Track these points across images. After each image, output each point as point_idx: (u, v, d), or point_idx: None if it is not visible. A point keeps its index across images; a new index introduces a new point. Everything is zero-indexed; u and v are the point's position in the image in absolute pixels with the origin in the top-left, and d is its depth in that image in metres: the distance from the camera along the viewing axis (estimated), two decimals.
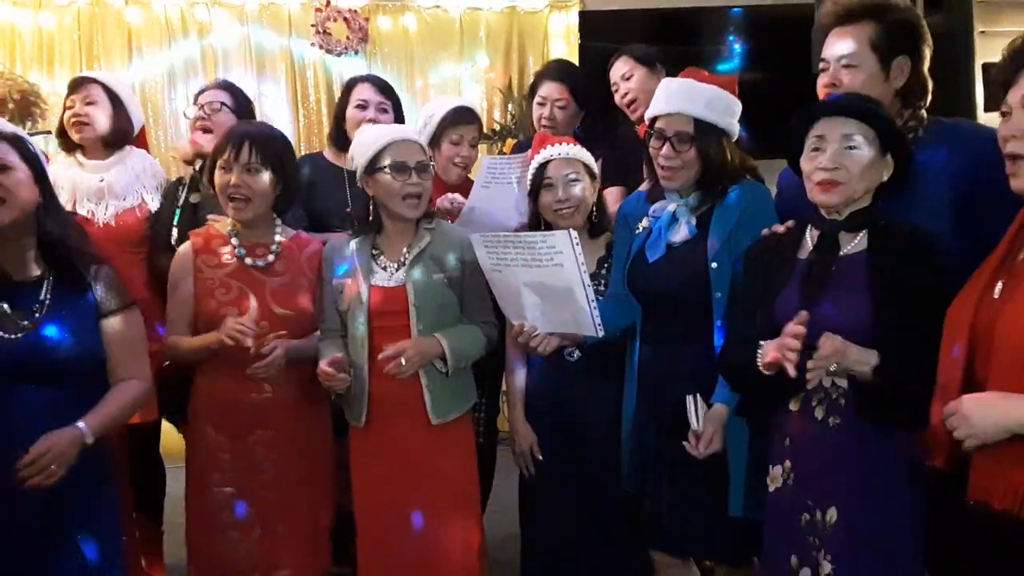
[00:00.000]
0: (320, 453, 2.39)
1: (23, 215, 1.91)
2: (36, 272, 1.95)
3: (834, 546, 1.76)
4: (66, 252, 1.96)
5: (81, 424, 1.85)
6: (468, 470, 2.39)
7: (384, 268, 2.32)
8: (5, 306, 1.89)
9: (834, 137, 1.81)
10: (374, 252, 2.35)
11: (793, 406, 1.85)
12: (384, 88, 3.07)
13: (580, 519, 2.38)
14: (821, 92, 2.13)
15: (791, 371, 1.70)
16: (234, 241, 2.34)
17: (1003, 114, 1.61)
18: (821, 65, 2.15)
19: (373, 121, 2.89)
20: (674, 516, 2.17)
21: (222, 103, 2.89)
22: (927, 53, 2.10)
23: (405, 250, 2.32)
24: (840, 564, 1.75)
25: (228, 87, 3.02)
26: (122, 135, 2.90)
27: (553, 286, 2.09)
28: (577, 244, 2.01)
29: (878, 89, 2.03)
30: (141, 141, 3.09)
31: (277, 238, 2.37)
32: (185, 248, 2.37)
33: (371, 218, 2.35)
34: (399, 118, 3.04)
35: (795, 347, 1.69)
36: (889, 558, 1.74)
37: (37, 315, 1.89)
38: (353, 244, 2.36)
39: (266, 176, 2.29)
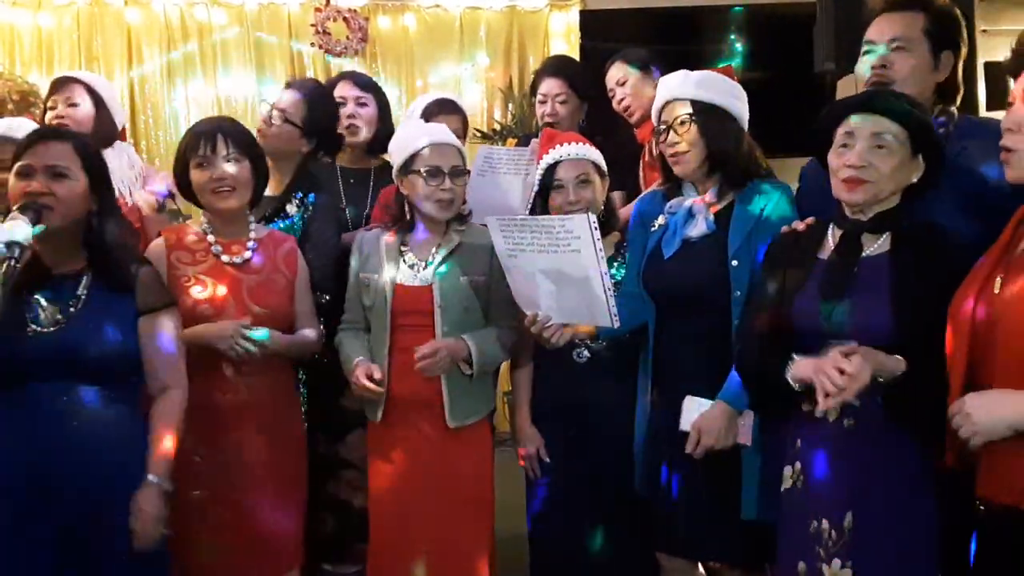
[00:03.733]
0: (294, 453, 2.35)
1: (71, 222, 1.86)
2: (77, 267, 1.89)
3: (852, 551, 1.72)
4: (109, 250, 1.92)
5: (151, 477, 1.86)
6: (483, 475, 2.34)
7: (411, 266, 2.31)
8: (41, 299, 1.84)
9: (864, 135, 1.77)
10: (402, 249, 2.34)
11: (806, 407, 1.79)
12: (363, 83, 3.02)
13: (590, 523, 2.35)
14: (867, 73, 2.06)
15: (822, 405, 1.67)
16: (210, 238, 2.28)
17: (1009, 104, 1.60)
18: (865, 47, 2.08)
19: (352, 116, 2.90)
20: (687, 519, 2.14)
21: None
22: (964, 53, 2.07)
23: (434, 250, 2.32)
24: (859, 569, 1.71)
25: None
26: (104, 137, 2.83)
27: (569, 273, 2.03)
28: (596, 229, 1.94)
29: (926, 79, 2.00)
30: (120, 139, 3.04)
31: (252, 235, 2.33)
32: (157, 245, 2.29)
33: (405, 216, 2.35)
34: (383, 112, 3.00)
35: (836, 384, 1.64)
36: (906, 562, 1.71)
37: (73, 309, 1.84)
38: (384, 239, 2.35)
39: (246, 165, 2.26)
